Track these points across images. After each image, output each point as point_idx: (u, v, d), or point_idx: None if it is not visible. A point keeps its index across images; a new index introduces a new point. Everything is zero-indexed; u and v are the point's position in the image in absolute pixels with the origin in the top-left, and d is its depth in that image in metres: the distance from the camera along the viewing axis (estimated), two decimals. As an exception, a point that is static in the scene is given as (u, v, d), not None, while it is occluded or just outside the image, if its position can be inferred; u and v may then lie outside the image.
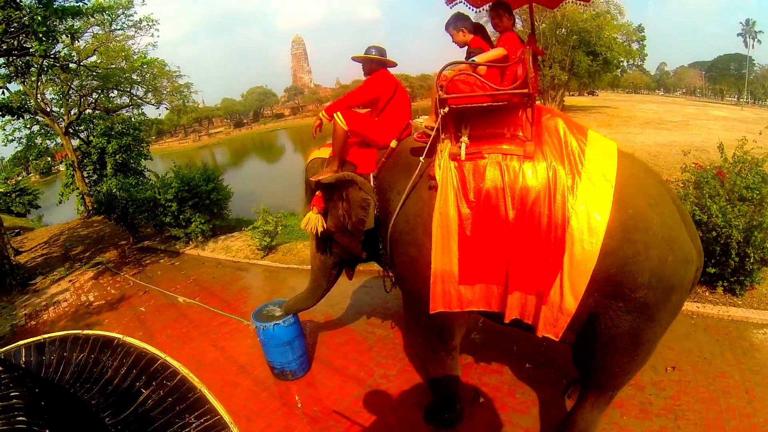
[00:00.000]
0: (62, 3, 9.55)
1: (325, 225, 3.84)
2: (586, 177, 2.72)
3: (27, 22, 7.82)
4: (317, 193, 3.81)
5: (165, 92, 19.18)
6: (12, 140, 16.81)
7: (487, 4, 3.55)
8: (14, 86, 14.30)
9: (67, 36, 9.83)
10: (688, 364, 4.29)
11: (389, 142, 3.62)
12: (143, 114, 18.59)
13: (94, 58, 15.24)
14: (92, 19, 14.69)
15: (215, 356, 5.71)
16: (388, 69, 3.84)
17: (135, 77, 17.44)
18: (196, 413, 1.42)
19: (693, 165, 5.79)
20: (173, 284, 8.49)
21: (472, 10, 3.74)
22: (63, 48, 10.95)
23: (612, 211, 2.66)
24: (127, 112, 18.38)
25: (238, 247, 9.91)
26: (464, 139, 2.97)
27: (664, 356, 4.37)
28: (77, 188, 16.84)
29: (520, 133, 2.94)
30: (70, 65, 11.67)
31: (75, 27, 9.84)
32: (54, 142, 18.23)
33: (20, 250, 13.17)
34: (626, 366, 3.06)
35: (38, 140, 17.62)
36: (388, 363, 5.03)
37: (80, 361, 1.59)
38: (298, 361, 4.87)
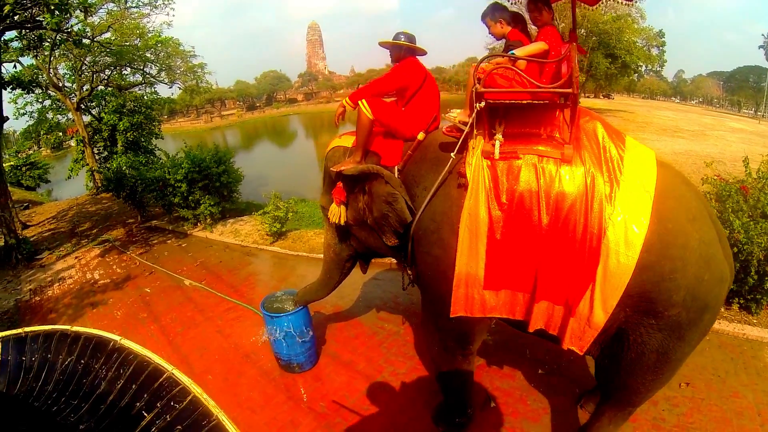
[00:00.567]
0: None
1: (345, 217, 3.70)
2: (625, 186, 2.58)
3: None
4: (338, 183, 3.66)
5: (178, 72, 19.12)
6: (23, 114, 16.82)
7: None
8: (27, 60, 14.28)
9: (80, 10, 9.67)
10: (702, 381, 4.18)
11: (416, 135, 3.45)
12: (156, 93, 18.56)
13: (108, 35, 15.18)
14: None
15: (220, 343, 5.61)
16: (418, 57, 3.66)
17: (149, 55, 17.38)
18: None
19: (715, 177, 5.62)
20: (180, 266, 8.39)
21: (508, 0, 3.55)
22: (76, 23, 10.81)
23: (650, 224, 2.53)
24: (139, 90, 18.35)
25: (247, 232, 9.78)
26: (498, 136, 2.81)
27: (678, 371, 4.23)
28: (87, 164, 16.85)
29: (557, 135, 2.80)
30: (84, 41, 11.55)
31: (89, 1, 9.67)
32: (65, 117, 18.26)
33: (28, 224, 13.15)
34: (650, 384, 2.96)
35: (49, 115, 17.63)
36: (398, 360, 4.91)
37: (67, 367, 1.30)
38: (306, 353, 4.75)
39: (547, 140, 2.79)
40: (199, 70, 19.81)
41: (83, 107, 16.77)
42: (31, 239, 10.92)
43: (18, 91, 13.86)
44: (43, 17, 8.20)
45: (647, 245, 2.51)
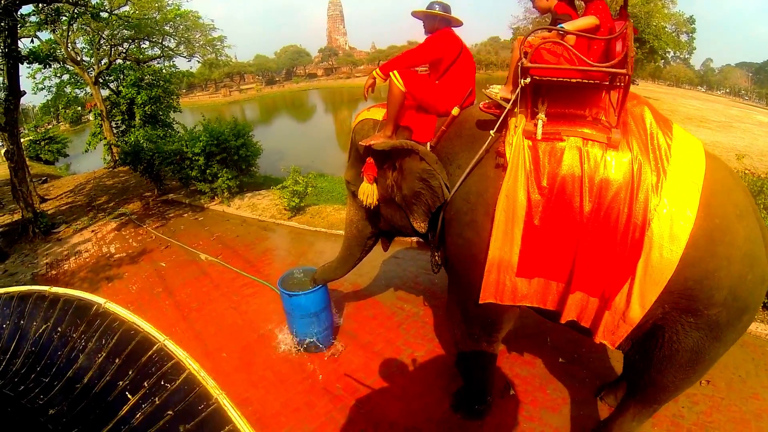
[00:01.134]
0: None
1: (376, 195, 3.53)
2: (672, 177, 2.42)
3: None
4: (368, 159, 3.47)
5: (197, 45, 18.88)
6: (42, 89, 16.77)
7: None
8: (45, 35, 14.24)
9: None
10: (723, 381, 4.06)
11: (450, 110, 3.26)
12: (174, 66, 18.34)
13: (126, 8, 15.00)
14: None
15: (234, 320, 5.54)
16: (453, 28, 3.43)
17: (167, 29, 17.18)
18: None
19: (747, 171, 5.36)
20: (196, 240, 8.33)
21: None
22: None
23: (698, 218, 2.38)
24: (158, 63, 18.13)
25: (264, 206, 9.67)
26: (541, 116, 2.63)
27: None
28: (105, 138, 16.82)
29: (603, 118, 2.62)
30: (101, 14, 11.43)
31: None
32: (83, 92, 18.21)
33: (46, 198, 13.19)
34: (679, 382, 2.86)
35: (67, 89, 17.59)
36: (417, 343, 4.80)
37: (41, 336, 1.06)
38: (324, 333, 4.65)
39: (592, 123, 2.62)
40: (219, 44, 19.57)
41: (101, 81, 16.68)
42: (49, 213, 10.93)
43: (36, 66, 13.90)
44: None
45: (693, 240, 2.38)
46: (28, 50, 9.73)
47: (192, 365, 0.96)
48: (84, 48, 16.53)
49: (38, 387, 0.95)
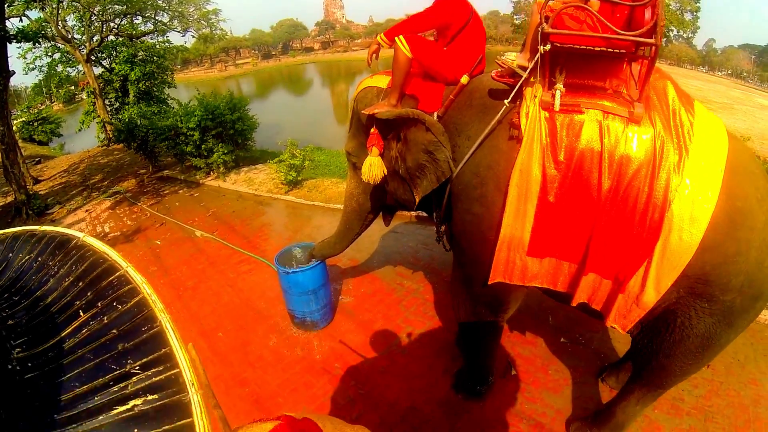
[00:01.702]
0: None
1: (382, 169, 3.31)
2: (694, 156, 2.25)
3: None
4: (373, 130, 3.25)
5: (191, 19, 18.48)
6: (33, 68, 16.47)
7: None
8: (35, 14, 13.90)
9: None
10: (722, 365, 4.00)
11: (459, 78, 3.03)
12: (168, 41, 17.99)
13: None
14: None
15: (231, 298, 5.41)
16: None
17: (160, 2, 16.78)
18: (143, 360, 0.93)
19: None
20: (191, 216, 8.17)
21: None
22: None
23: (719, 200, 2.22)
24: (151, 39, 17.74)
25: (261, 180, 9.52)
26: (559, 86, 2.42)
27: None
28: (98, 116, 16.52)
29: (624, 91, 2.42)
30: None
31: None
32: (76, 70, 17.83)
33: (39, 179, 13.01)
34: (687, 368, 2.75)
35: (59, 68, 17.22)
36: (417, 320, 4.67)
37: (22, 265, 1.17)
38: (322, 311, 4.52)
39: (613, 96, 2.42)
40: (213, 17, 19.21)
41: (93, 59, 16.32)
42: (42, 194, 10.76)
43: (26, 45, 13.55)
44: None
45: (714, 223, 2.23)
46: (16, 29, 9.45)
47: (146, 290, 1.04)
48: (75, 25, 16.11)
49: (8, 303, 1.05)
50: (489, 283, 2.83)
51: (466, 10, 3.10)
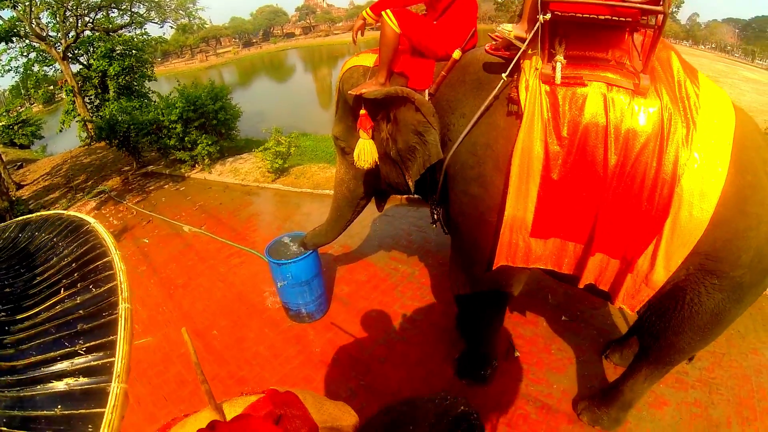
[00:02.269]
0: None
1: (375, 153, 3.14)
2: (702, 129, 2.11)
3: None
4: (362, 111, 3.06)
5: (169, 9, 18.00)
6: (9, 70, 15.96)
7: None
8: (7, 13, 13.44)
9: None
10: (724, 336, 3.92)
11: (451, 53, 2.85)
12: (146, 33, 17.49)
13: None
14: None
15: (223, 294, 5.27)
16: None
17: (136, -7, 16.26)
18: (91, 343, 0.98)
19: None
20: (178, 212, 7.98)
21: None
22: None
23: (729, 175, 2.10)
24: (128, 32, 17.26)
25: (247, 170, 9.37)
26: (559, 58, 2.25)
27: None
28: (79, 115, 16.12)
29: (627, 62, 2.26)
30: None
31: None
32: (53, 69, 17.33)
33: (22, 183, 12.68)
34: (695, 344, 2.67)
35: (35, 68, 16.71)
36: (415, 305, 4.56)
37: (40, 244, 1.30)
38: (317, 302, 4.38)
39: (616, 67, 2.26)
40: (191, 6, 18.73)
41: (70, 56, 15.81)
42: (26, 199, 10.47)
43: (0, 46, 13.09)
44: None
45: (724, 198, 2.12)
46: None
47: (120, 278, 1.08)
48: (49, 23, 15.60)
49: (13, 273, 1.16)
50: (494, 267, 2.70)
51: None
